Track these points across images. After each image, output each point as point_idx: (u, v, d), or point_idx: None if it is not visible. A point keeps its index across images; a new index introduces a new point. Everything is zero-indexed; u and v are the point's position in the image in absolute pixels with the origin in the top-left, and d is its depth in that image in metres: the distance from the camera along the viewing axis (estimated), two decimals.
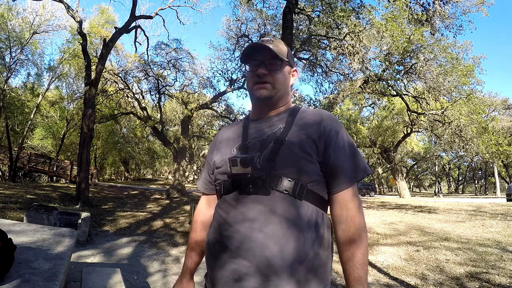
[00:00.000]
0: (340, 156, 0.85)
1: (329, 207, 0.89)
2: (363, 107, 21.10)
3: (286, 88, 0.96)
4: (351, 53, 9.83)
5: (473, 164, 36.33)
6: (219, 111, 17.02)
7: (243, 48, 1.04)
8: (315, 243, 0.80)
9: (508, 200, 14.01)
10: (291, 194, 0.80)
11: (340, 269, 3.86)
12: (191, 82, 16.51)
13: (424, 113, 12.13)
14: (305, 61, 13.31)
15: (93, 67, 10.56)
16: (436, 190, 34.96)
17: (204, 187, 1.05)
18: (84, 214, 4.99)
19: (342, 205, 0.83)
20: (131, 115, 17.08)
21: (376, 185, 33.08)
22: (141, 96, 16.52)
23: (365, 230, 0.83)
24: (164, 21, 17.15)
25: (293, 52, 9.42)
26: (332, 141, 0.86)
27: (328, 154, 0.84)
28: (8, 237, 1.45)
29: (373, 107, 20.16)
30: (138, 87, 16.43)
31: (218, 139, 1.03)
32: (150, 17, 12.34)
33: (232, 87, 14.66)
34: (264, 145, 0.86)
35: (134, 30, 12.53)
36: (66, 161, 20.34)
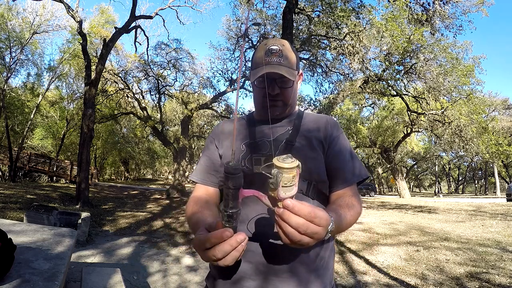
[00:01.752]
0: (340, 160, 0.86)
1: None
2: (363, 107, 21.05)
3: (295, 98, 0.95)
4: (351, 53, 9.81)
5: (473, 164, 36.30)
6: (219, 111, 17.00)
7: (255, 65, 0.88)
8: (317, 244, 0.79)
9: (508, 200, 14.01)
10: (304, 194, 0.81)
11: (340, 269, 3.87)
12: (191, 82, 16.52)
13: (424, 113, 12.10)
14: (305, 61, 13.29)
15: (93, 67, 10.56)
16: (436, 190, 34.94)
17: (210, 179, 0.92)
18: (84, 214, 4.99)
19: (342, 196, 0.83)
20: (131, 115, 17.07)
21: (376, 185, 33.07)
22: (141, 96, 16.52)
23: (358, 216, 0.81)
24: (164, 21, 17.13)
25: None
26: (333, 144, 0.88)
27: (328, 156, 0.87)
28: (8, 237, 1.45)
29: (373, 107, 20.12)
30: (138, 87, 16.43)
31: (219, 131, 0.97)
32: (150, 17, 12.34)
33: (232, 87, 14.64)
34: (274, 146, 0.86)
35: (134, 30, 12.53)
36: (66, 161, 20.34)
